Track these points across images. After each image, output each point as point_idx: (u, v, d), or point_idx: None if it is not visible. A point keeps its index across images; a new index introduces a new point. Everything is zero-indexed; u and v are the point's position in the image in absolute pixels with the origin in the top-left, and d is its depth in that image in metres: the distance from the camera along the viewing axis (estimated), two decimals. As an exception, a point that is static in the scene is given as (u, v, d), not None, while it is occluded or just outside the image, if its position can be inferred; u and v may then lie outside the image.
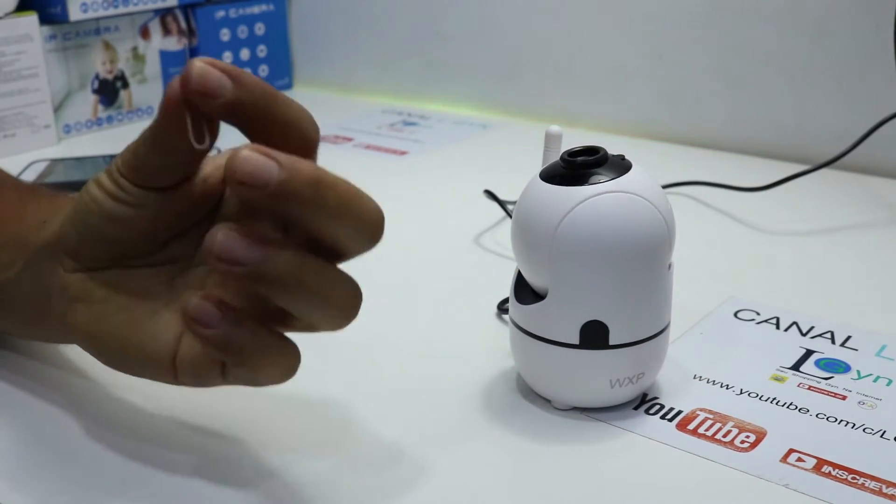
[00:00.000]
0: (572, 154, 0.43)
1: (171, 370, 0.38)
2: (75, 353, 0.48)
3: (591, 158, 0.42)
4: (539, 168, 0.45)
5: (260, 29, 1.10)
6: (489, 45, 1.01)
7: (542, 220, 0.42)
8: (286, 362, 0.37)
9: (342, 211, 0.34)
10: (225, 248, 0.32)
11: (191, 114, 0.35)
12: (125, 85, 1.00)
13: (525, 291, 0.44)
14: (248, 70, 0.36)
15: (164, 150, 0.37)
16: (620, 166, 0.43)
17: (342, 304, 0.36)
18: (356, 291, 0.36)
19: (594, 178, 0.42)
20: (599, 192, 0.41)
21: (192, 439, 0.43)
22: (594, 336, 0.42)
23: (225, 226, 0.33)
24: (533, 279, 0.44)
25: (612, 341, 0.42)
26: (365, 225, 0.35)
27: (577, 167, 0.42)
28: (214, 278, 0.40)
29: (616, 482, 0.40)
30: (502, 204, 0.68)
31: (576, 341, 0.43)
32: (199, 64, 0.33)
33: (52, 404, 0.46)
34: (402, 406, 0.46)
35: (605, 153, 0.43)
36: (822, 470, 0.41)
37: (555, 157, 0.45)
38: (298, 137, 0.36)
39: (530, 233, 0.43)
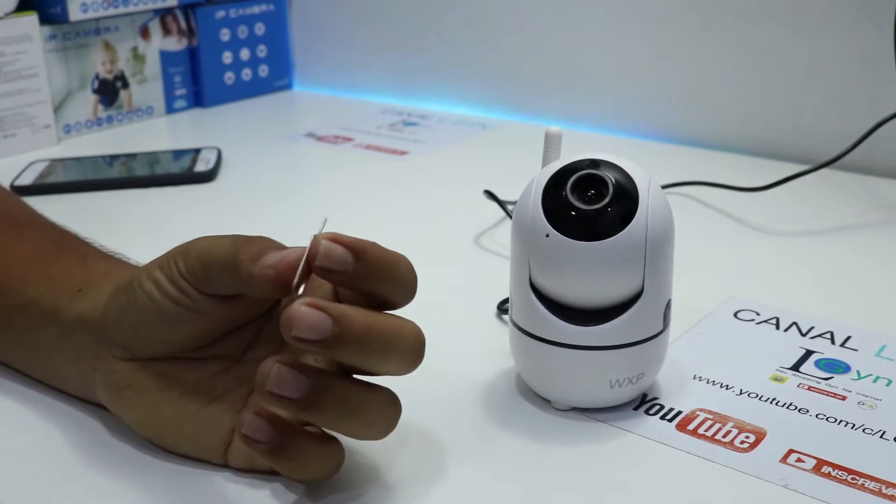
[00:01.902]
0: (585, 197, 0.42)
1: (223, 458, 0.41)
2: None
3: (608, 195, 0.42)
4: (538, 168, 0.45)
5: (260, 29, 1.10)
6: (489, 45, 1.01)
7: (631, 250, 0.42)
8: (331, 462, 0.39)
9: (386, 350, 0.36)
10: (276, 382, 0.35)
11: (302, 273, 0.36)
12: (125, 85, 1.00)
13: (572, 315, 0.43)
14: (373, 242, 0.36)
15: (250, 290, 0.38)
16: (615, 168, 0.43)
17: (382, 423, 0.38)
18: (396, 410, 0.38)
19: (627, 183, 0.42)
20: (652, 191, 0.42)
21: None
22: (667, 315, 0.45)
23: (277, 360, 0.35)
24: (611, 295, 0.43)
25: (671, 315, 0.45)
26: (407, 356, 0.37)
27: (608, 204, 0.42)
28: None
29: (616, 482, 0.40)
30: (502, 204, 0.68)
31: (661, 327, 0.44)
32: (325, 243, 0.35)
33: (53, 404, 0.46)
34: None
35: (604, 177, 0.42)
36: (822, 470, 0.41)
37: (555, 158, 0.45)
38: (404, 295, 0.38)
39: (617, 272, 0.42)
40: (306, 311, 0.34)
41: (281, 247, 0.38)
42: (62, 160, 0.85)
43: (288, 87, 1.15)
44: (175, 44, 1.04)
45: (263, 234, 0.41)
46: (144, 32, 1.00)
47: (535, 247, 0.42)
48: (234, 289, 0.38)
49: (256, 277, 0.36)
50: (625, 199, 0.42)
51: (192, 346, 0.41)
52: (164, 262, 0.39)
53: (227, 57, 1.08)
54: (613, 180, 0.42)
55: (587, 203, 0.42)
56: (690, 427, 0.44)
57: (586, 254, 0.41)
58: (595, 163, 0.42)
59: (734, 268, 0.63)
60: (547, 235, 0.42)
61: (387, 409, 0.38)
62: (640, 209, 0.42)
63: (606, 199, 0.41)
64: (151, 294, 0.39)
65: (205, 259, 0.38)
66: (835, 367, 0.49)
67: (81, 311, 0.43)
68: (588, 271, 0.42)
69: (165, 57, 1.03)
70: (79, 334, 0.43)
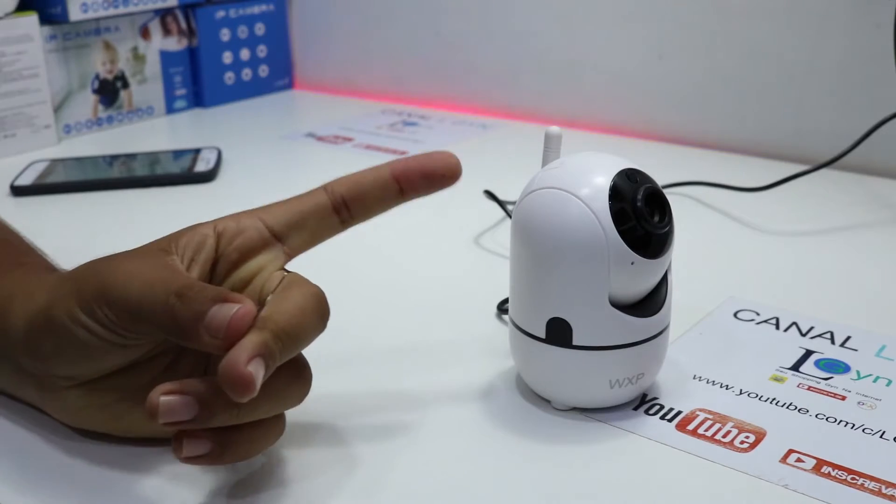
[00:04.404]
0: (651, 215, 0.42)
1: None
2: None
3: (667, 212, 0.43)
4: (538, 168, 0.45)
5: (260, 29, 1.10)
6: (489, 45, 1.01)
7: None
8: (274, 435, 0.39)
9: (266, 405, 0.37)
10: (166, 413, 0.35)
11: None
12: (125, 85, 1.00)
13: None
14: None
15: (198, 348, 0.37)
16: (648, 177, 0.43)
17: (292, 398, 0.39)
18: (303, 381, 0.39)
19: (662, 193, 0.43)
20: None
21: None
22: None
23: (161, 391, 0.35)
24: (647, 287, 0.44)
25: None
26: (295, 401, 0.39)
27: (665, 221, 0.42)
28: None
29: (616, 482, 0.40)
30: (502, 204, 0.68)
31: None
32: (162, 399, 0.35)
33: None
34: (401, 406, 0.46)
35: (663, 195, 0.43)
36: (822, 470, 0.41)
37: (555, 158, 0.45)
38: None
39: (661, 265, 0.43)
40: (165, 399, 0.34)
41: (216, 294, 0.36)
42: (62, 160, 0.85)
43: (288, 87, 1.15)
44: (175, 44, 1.04)
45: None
46: (144, 32, 1.00)
47: (617, 272, 0.42)
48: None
49: (206, 345, 0.36)
50: (669, 208, 0.43)
51: (138, 359, 0.40)
52: (83, 302, 0.38)
53: (227, 57, 1.08)
54: (666, 197, 0.43)
55: (655, 219, 0.42)
56: (690, 427, 0.44)
57: (658, 268, 0.43)
58: (632, 175, 0.42)
59: (734, 268, 0.63)
60: (632, 263, 0.41)
61: (291, 385, 0.38)
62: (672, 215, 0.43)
63: (667, 217, 0.42)
64: (84, 338, 0.38)
65: (135, 312, 0.37)
66: (835, 367, 0.49)
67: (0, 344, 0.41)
68: (654, 281, 0.43)
69: (165, 57, 1.03)
70: (6, 366, 0.42)
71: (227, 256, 0.41)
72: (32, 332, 0.40)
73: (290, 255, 0.42)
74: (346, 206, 0.42)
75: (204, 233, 0.41)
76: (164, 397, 0.34)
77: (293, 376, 0.38)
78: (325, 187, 0.43)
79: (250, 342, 0.34)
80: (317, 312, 0.38)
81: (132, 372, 0.40)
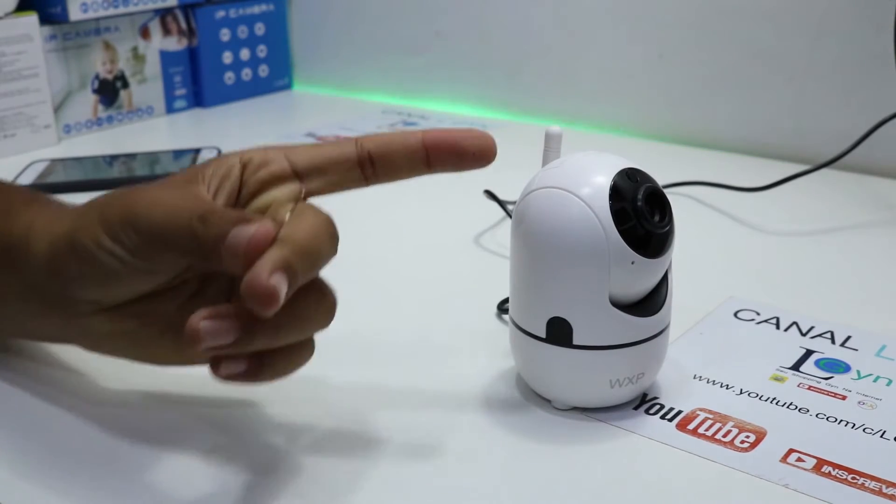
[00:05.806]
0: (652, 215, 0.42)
1: None
2: (73, 352, 0.48)
3: (668, 211, 0.43)
4: (538, 168, 0.45)
5: (260, 29, 1.10)
6: (489, 45, 1.01)
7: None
8: (307, 353, 0.39)
9: (301, 327, 0.37)
10: (210, 336, 0.34)
11: None
12: (125, 85, 1.00)
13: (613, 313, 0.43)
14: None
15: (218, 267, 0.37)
16: (648, 177, 0.43)
17: (321, 318, 0.38)
18: (330, 301, 0.38)
19: (662, 192, 0.43)
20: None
21: (192, 436, 0.43)
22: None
23: (201, 317, 0.34)
24: (647, 287, 0.44)
25: None
26: (323, 322, 0.38)
27: (665, 221, 0.42)
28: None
29: (616, 482, 0.40)
30: (502, 204, 0.68)
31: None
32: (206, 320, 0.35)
33: (52, 403, 0.46)
34: (401, 406, 0.46)
35: (664, 195, 0.43)
36: (822, 470, 0.41)
37: (555, 157, 0.45)
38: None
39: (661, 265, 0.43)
40: (207, 324, 0.34)
41: (239, 217, 0.36)
42: (62, 160, 0.85)
43: (288, 87, 1.15)
44: (175, 44, 1.04)
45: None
46: (144, 32, 1.00)
47: (617, 271, 0.42)
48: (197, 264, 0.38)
49: (228, 266, 0.36)
50: (669, 208, 0.43)
51: (163, 286, 0.40)
52: (108, 227, 0.38)
53: (227, 57, 1.08)
54: (666, 197, 0.43)
55: (656, 219, 0.42)
56: (690, 427, 0.44)
57: (658, 268, 0.43)
58: (633, 174, 0.42)
59: (734, 268, 0.63)
60: (633, 262, 0.41)
61: (319, 306, 0.38)
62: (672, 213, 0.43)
63: (668, 216, 0.42)
64: (109, 263, 0.38)
65: (158, 236, 0.37)
66: (835, 366, 0.49)
67: (23, 276, 0.42)
68: (654, 281, 0.43)
69: (165, 57, 1.03)
70: (31, 297, 0.42)
71: (248, 186, 0.41)
72: (56, 256, 0.40)
73: (306, 197, 0.42)
74: (372, 163, 0.42)
75: (230, 163, 0.41)
76: (206, 322, 0.34)
77: (319, 298, 0.38)
78: (355, 140, 0.43)
79: (270, 257, 0.34)
80: (329, 234, 0.38)
81: (157, 299, 0.41)
